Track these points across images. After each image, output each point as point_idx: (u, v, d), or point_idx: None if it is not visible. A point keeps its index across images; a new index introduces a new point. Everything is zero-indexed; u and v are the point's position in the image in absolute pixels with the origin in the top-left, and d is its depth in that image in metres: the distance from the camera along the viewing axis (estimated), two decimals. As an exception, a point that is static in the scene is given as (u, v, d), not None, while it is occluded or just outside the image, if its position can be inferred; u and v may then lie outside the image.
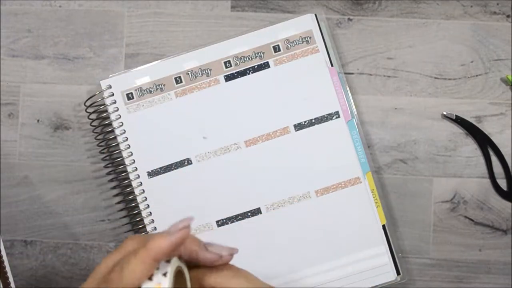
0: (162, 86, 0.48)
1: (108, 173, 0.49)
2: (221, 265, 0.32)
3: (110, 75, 0.49)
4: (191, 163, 0.48)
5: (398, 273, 0.48)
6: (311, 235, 0.48)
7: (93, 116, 0.49)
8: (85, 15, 0.51)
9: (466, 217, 0.50)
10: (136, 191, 0.48)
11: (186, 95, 0.49)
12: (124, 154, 0.48)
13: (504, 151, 0.50)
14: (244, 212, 0.48)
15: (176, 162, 0.48)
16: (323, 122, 0.48)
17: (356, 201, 0.48)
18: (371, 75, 0.51)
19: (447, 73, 0.51)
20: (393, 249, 0.48)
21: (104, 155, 0.49)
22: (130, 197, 0.49)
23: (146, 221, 0.48)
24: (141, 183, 0.48)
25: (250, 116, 0.49)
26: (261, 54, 0.49)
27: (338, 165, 0.48)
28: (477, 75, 0.51)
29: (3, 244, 0.49)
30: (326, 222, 0.48)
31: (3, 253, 0.46)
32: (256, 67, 0.49)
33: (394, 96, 0.51)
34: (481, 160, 0.50)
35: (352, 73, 0.51)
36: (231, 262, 0.33)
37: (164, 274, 0.29)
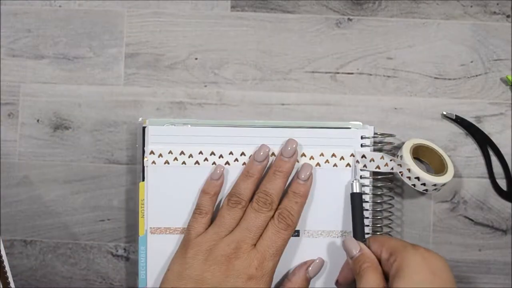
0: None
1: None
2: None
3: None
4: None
5: None
6: None
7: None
8: (85, 15, 0.51)
9: (466, 217, 0.50)
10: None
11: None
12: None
13: (504, 151, 0.50)
14: None
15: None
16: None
17: None
18: (371, 75, 0.51)
19: (447, 73, 0.51)
20: None
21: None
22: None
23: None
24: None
25: None
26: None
27: None
28: (477, 75, 0.51)
29: (3, 244, 0.49)
30: None
31: (3, 253, 0.46)
32: None
33: (394, 96, 0.51)
34: (481, 160, 0.50)
35: (352, 73, 0.51)
36: None
37: None
